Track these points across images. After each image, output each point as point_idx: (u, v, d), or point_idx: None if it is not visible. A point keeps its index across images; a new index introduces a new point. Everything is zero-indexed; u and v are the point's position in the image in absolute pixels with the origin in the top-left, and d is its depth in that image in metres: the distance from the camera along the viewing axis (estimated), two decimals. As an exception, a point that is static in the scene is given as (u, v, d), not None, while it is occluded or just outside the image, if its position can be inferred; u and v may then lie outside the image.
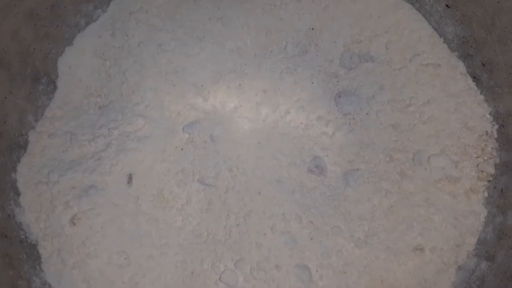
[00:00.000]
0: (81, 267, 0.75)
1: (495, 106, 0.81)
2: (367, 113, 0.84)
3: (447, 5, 0.83)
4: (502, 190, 0.79)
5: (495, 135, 0.82)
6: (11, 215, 0.75)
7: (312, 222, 0.78)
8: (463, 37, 0.83)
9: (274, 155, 0.82)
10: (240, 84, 0.84)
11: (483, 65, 0.81)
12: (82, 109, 0.84)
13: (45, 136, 0.81)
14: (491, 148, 0.82)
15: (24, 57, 0.78)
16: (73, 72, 0.85)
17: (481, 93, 0.83)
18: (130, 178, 0.80)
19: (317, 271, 0.77)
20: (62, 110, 0.83)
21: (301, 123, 0.84)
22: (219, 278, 0.77)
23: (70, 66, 0.85)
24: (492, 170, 0.81)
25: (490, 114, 0.82)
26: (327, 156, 0.83)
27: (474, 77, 0.83)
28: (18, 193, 0.77)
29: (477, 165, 0.81)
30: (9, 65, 0.76)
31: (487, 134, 0.82)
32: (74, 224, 0.76)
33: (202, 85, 0.84)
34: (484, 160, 0.82)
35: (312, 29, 0.88)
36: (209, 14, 0.87)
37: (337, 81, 0.86)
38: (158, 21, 0.86)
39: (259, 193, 0.80)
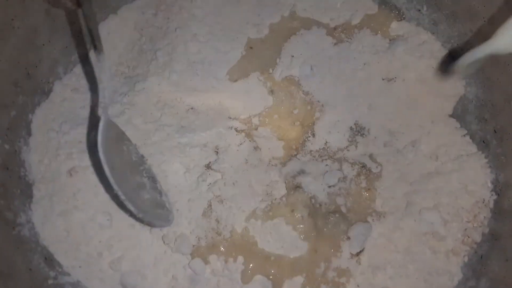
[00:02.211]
0: (66, 217, 0.79)
1: (496, 173, 0.81)
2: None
3: (474, 66, 0.84)
4: (481, 256, 0.78)
5: (491, 205, 0.81)
6: (17, 151, 0.80)
7: None
8: (482, 100, 0.84)
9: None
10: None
11: (495, 131, 0.82)
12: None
13: (68, 89, 0.86)
14: (484, 217, 0.81)
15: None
16: (111, 39, 0.90)
17: (485, 157, 0.83)
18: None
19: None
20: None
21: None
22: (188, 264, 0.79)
23: (109, 32, 0.90)
24: (478, 239, 0.80)
25: (491, 182, 0.82)
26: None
27: (483, 141, 0.84)
28: (29, 134, 0.83)
29: (465, 229, 0.81)
30: (55, 16, 0.82)
31: (483, 202, 0.82)
32: (71, 175, 0.81)
33: (224, 80, 0.87)
34: (474, 226, 0.81)
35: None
36: (248, 19, 0.91)
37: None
38: (200, 13, 0.91)
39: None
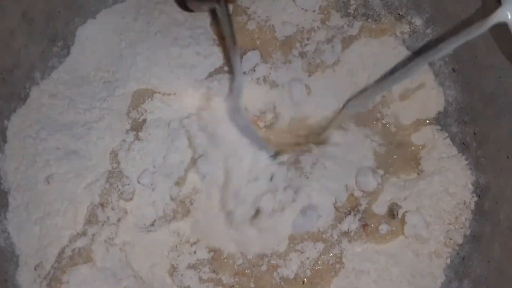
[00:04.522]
0: (42, 225, 0.77)
1: (477, 175, 0.82)
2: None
3: (453, 69, 0.86)
4: (464, 257, 0.79)
5: (472, 207, 0.82)
6: (-9, 158, 0.78)
7: None
8: (461, 102, 0.85)
9: None
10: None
11: (474, 134, 0.83)
12: (88, 79, 0.87)
13: (46, 95, 0.84)
14: (465, 218, 0.82)
15: (47, 17, 0.83)
16: (89, 44, 0.88)
17: (466, 159, 0.84)
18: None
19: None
20: (69, 76, 0.87)
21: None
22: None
23: (88, 37, 0.89)
24: (460, 240, 0.81)
25: (472, 184, 0.83)
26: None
27: (463, 143, 0.85)
28: (5, 141, 0.80)
29: (447, 231, 0.82)
30: (31, 20, 0.80)
31: (464, 204, 0.82)
32: (48, 182, 0.79)
33: (203, 84, 0.86)
34: (455, 228, 0.82)
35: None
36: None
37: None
38: (180, 17, 0.90)
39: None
